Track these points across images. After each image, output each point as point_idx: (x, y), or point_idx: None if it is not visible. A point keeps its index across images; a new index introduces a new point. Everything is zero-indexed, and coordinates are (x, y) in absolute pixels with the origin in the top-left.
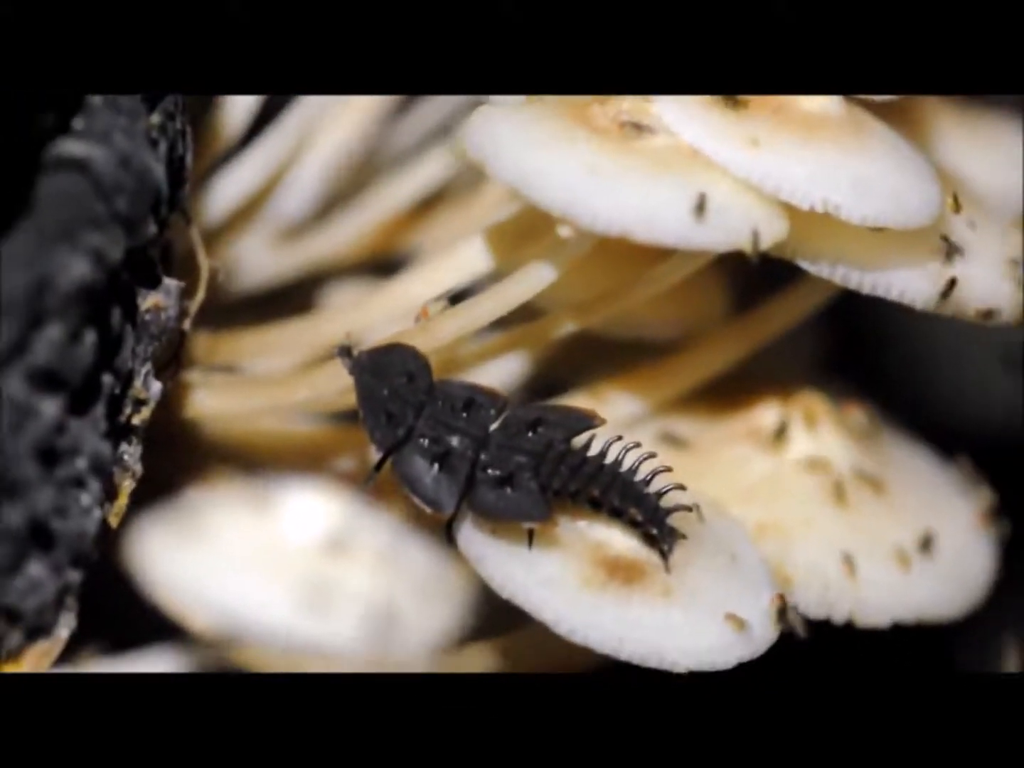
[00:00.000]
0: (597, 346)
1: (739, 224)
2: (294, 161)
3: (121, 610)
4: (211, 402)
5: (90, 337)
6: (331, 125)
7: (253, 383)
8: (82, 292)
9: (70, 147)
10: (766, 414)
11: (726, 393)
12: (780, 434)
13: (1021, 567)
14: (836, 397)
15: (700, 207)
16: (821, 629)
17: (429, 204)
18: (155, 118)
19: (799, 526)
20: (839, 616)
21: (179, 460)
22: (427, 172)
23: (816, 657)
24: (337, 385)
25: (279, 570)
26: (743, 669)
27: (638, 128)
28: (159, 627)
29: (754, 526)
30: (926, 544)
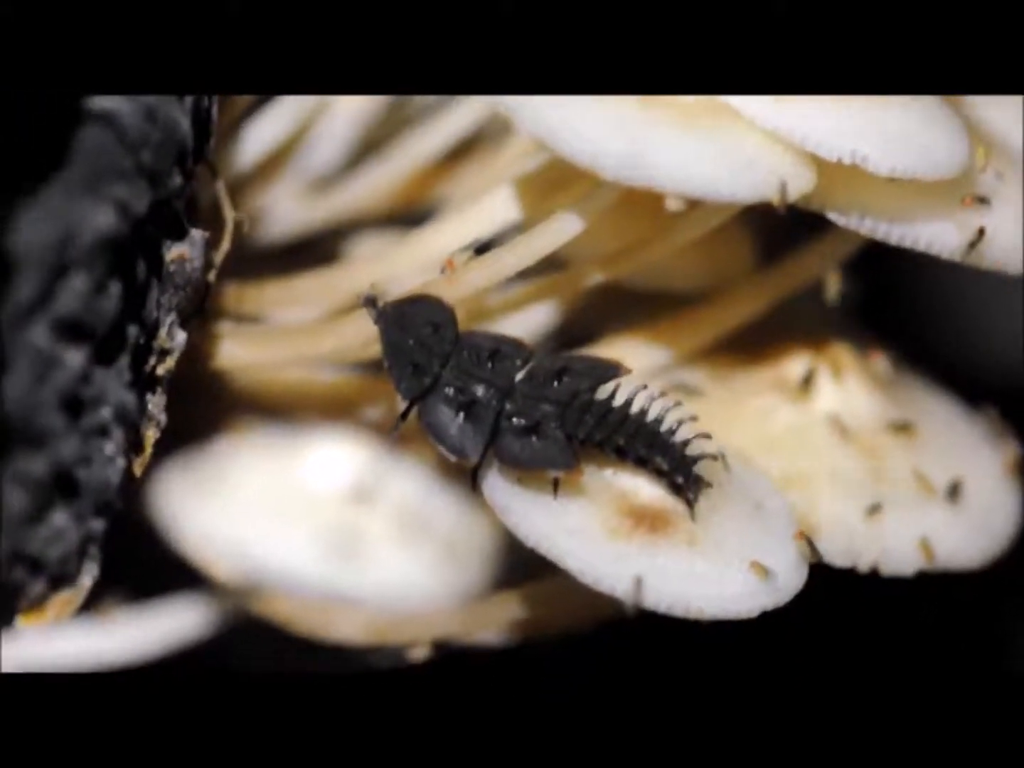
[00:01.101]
0: (623, 297)
1: (767, 176)
2: (321, 113)
3: (145, 559)
4: (237, 352)
5: (115, 288)
6: None
7: (279, 333)
8: (107, 243)
9: (97, 100)
10: (792, 364)
11: (751, 344)
12: (806, 384)
13: None
14: (861, 347)
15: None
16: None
17: (456, 155)
18: None
19: (824, 476)
20: (864, 565)
21: (205, 410)
22: (454, 123)
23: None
24: (363, 335)
25: (304, 519)
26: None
27: None
28: (183, 576)
29: (779, 476)
30: (953, 493)
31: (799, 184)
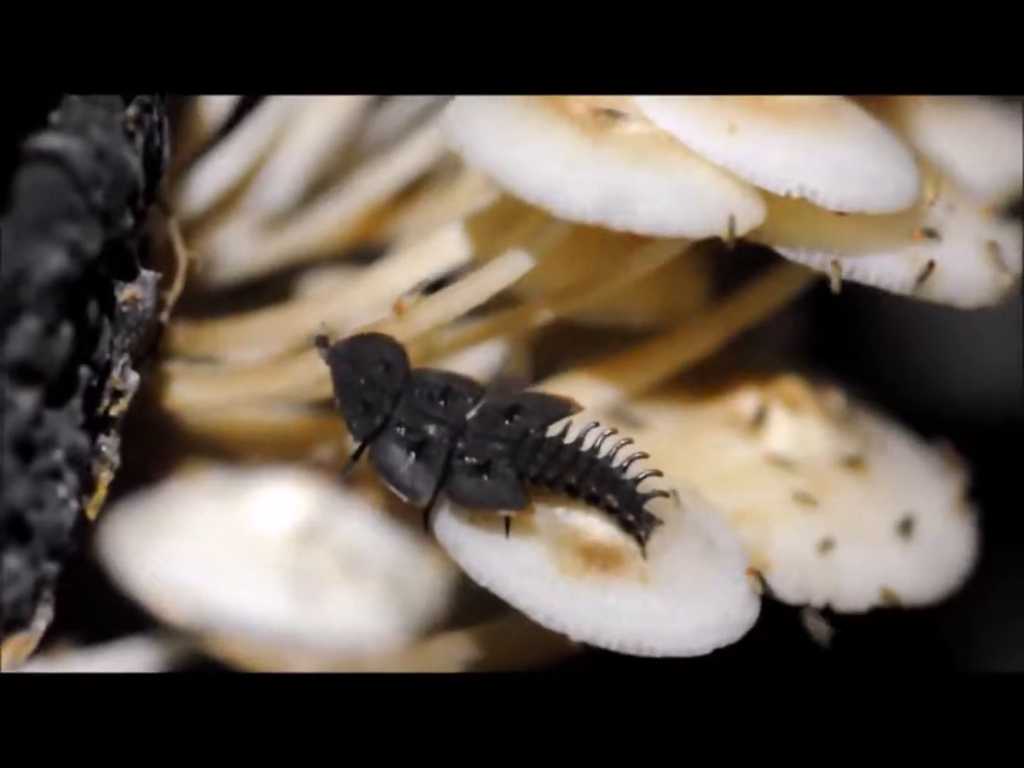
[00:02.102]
0: (575, 333)
1: (715, 211)
2: (274, 150)
3: (98, 602)
4: (190, 393)
5: (66, 330)
6: (311, 114)
7: (231, 373)
8: (58, 285)
9: (47, 140)
10: (745, 400)
11: (704, 379)
12: (759, 420)
13: (1020, 565)
14: (814, 381)
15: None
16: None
17: (411, 192)
18: (132, 110)
19: (777, 512)
20: (817, 601)
21: (158, 451)
22: (408, 160)
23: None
24: (315, 375)
25: (254, 561)
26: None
27: (615, 115)
28: (136, 619)
29: (732, 512)
30: (905, 528)
31: (748, 218)
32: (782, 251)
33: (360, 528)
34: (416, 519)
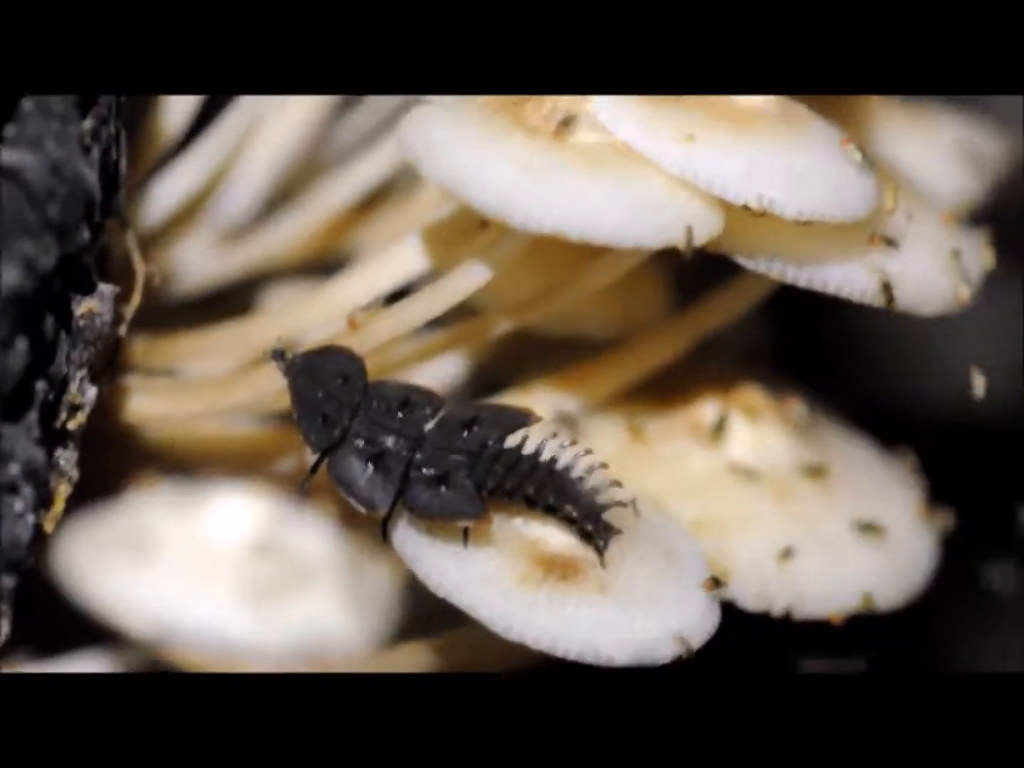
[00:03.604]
0: (536, 344)
1: (672, 221)
2: (234, 163)
3: (55, 615)
4: (149, 406)
5: (22, 344)
6: (270, 126)
7: (190, 386)
8: (13, 299)
9: (1, 155)
10: (706, 409)
11: (665, 389)
12: (720, 429)
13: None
14: (776, 390)
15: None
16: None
17: (371, 203)
18: (88, 123)
19: (738, 521)
20: (777, 610)
21: (118, 465)
22: (367, 172)
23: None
24: (274, 387)
25: (210, 572)
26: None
27: (572, 126)
28: (93, 631)
29: (692, 521)
30: (867, 535)
31: (706, 228)
32: (741, 261)
33: (317, 539)
34: (374, 530)
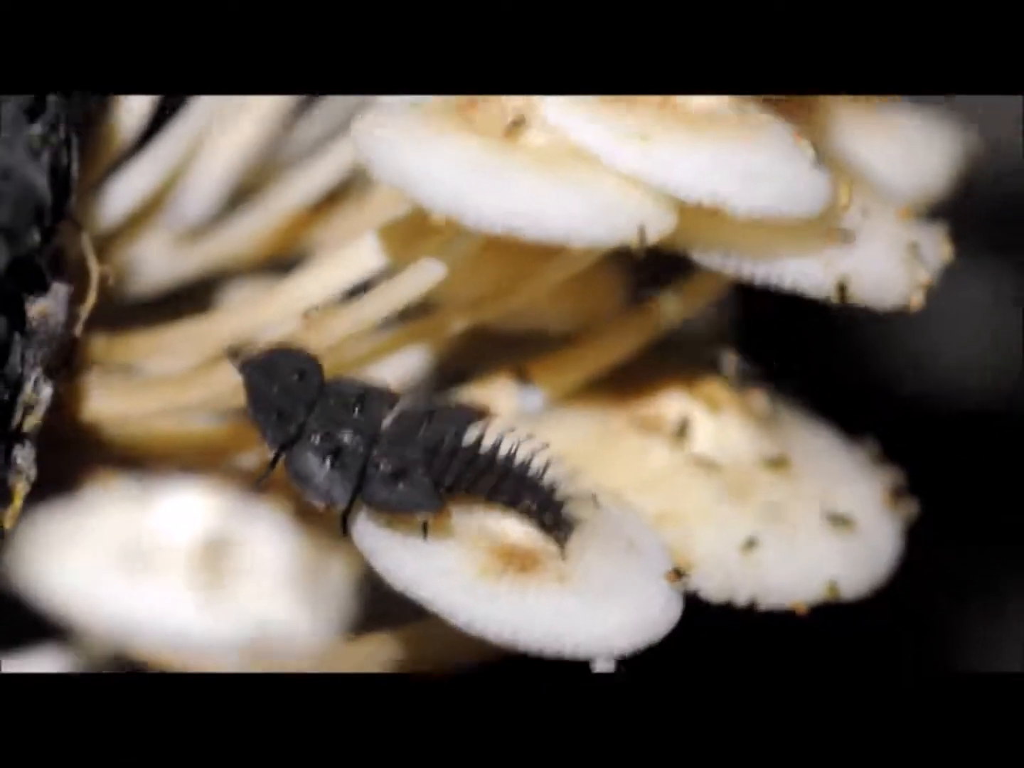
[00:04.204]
0: (494, 339)
1: (626, 221)
2: (191, 163)
3: (11, 611)
4: (106, 404)
5: None
6: (228, 126)
7: (148, 384)
8: None
9: None
10: (666, 402)
11: (626, 382)
12: (681, 422)
13: (1018, 568)
14: (738, 382)
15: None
16: (791, 622)
17: (328, 202)
18: (37, 128)
19: (700, 514)
20: (741, 600)
21: (75, 462)
22: (324, 171)
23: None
24: (231, 384)
25: (164, 568)
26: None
27: (523, 126)
28: (48, 627)
29: (654, 514)
30: (831, 525)
31: (659, 226)
32: (696, 257)
33: (273, 534)
34: (329, 525)
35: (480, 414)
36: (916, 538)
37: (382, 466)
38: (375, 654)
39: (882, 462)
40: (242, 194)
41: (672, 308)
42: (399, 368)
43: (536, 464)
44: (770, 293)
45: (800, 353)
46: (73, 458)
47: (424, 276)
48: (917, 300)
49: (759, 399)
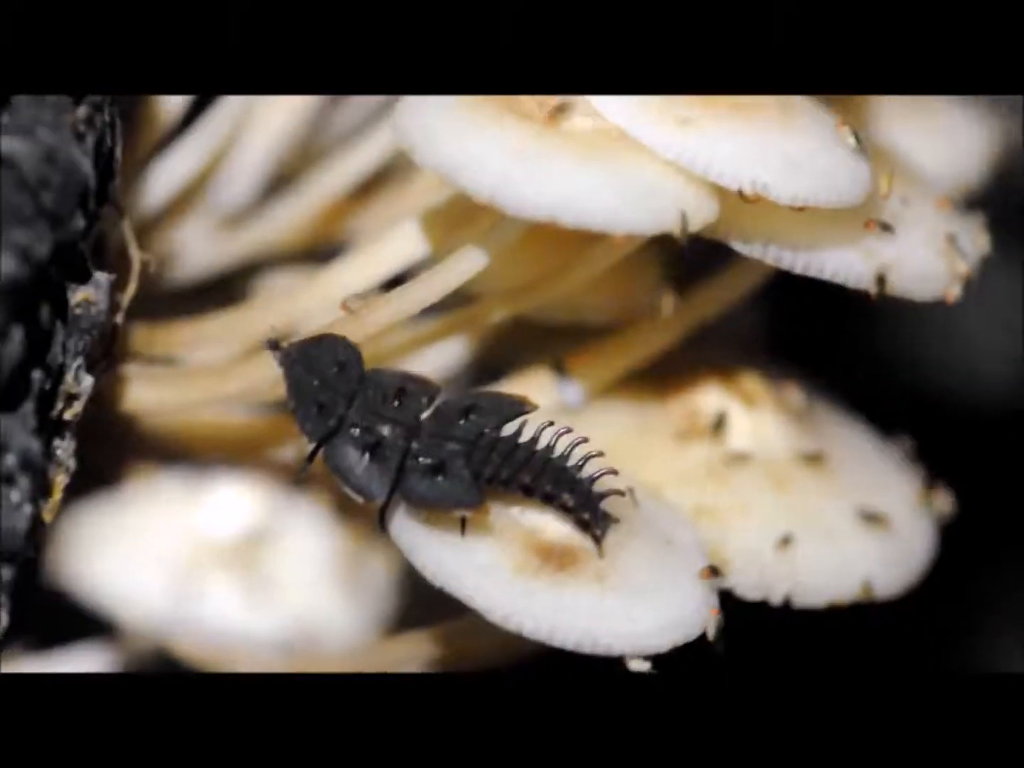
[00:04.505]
0: (533, 331)
1: (667, 207)
2: (231, 149)
3: (53, 606)
4: (147, 395)
5: (17, 334)
6: (267, 112)
7: (188, 375)
8: (8, 288)
9: None
10: (703, 397)
11: (663, 376)
12: (717, 417)
13: (1020, 568)
14: (774, 378)
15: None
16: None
17: (368, 190)
18: (81, 111)
19: (736, 509)
20: (776, 598)
21: (115, 454)
22: (364, 157)
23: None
24: (270, 376)
25: (207, 562)
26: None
27: (565, 111)
28: (91, 622)
29: (691, 510)
30: (866, 523)
31: (701, 214)
32: (737, 246)
33: (313, 528)
34: (370, 519)
35: (519, 406)
36: (949, 537)
37: (421, 460)
38: (413, 650)
39: (916, 459)
40: (282, 181)
41: (709, 301)
42: (438, 359)
43: (574, 459)
44: (807, 287)
45: (834, 349)
46: (113, 451)
47: (465, 265)
48: (955, 292)
49: (795, 394)
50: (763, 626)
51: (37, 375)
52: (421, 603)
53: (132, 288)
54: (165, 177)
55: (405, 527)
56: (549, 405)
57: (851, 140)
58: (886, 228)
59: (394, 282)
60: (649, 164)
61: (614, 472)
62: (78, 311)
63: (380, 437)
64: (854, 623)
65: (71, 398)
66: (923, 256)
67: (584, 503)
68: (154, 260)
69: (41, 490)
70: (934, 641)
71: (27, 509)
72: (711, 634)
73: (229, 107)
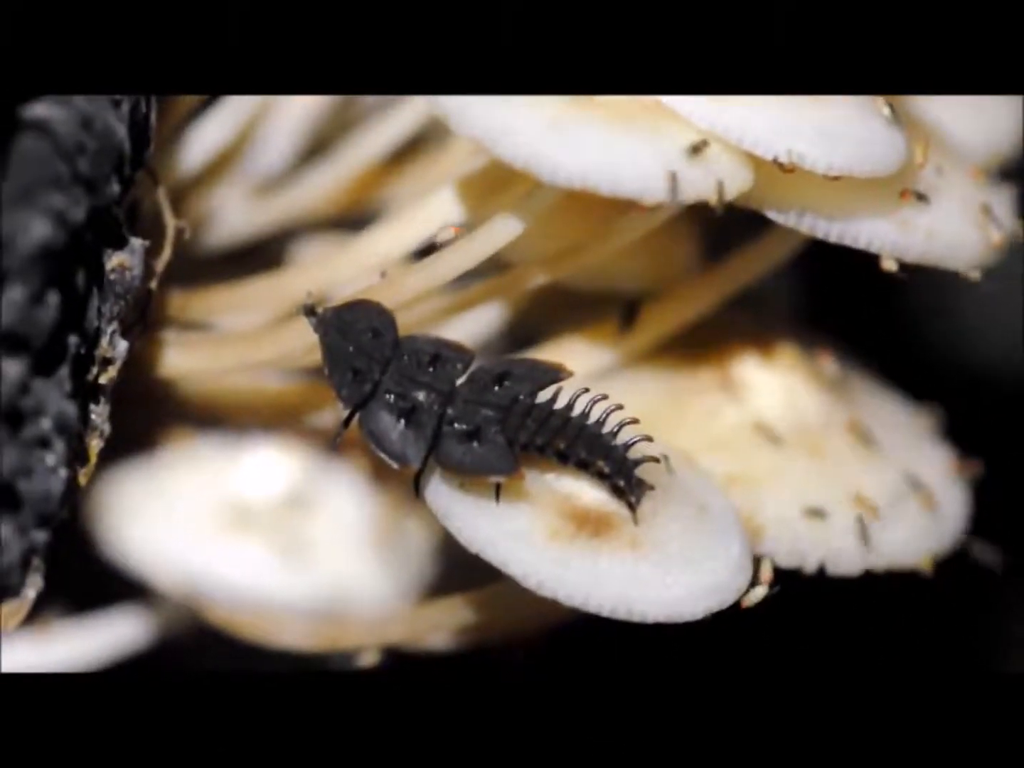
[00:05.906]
0: (567, 298)
1: (703, 176)
2: (264, 116)
3: (88, 570)
4: (181, 360)
5: (53, 298)
6: None
7: (223, 340)
8: (44, 253)
9: (31, 109)
10: (737, 364)
11: (698, 344)
12: (751, 385)
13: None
14: (808, 346)
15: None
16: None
17: (403, 156)
18: None
19: (769, 476)
20: (810, 566)
21: (150, 419)
22: (398, 125)
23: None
24: (306, 342)
25: (242, 527)
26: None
27: None
28: (125, 587)
29: (724, 477)
30: (899, 492)
31: (737, 183)
32: (772, 215)
33: (349, 494)
34: (406, 485)
35: (554, 373)
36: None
37: (456, 425)
38: (448, 616)
39: (947, 429)
40: (317, 147)
41: (743, 269)
42: (472, 326)
43: (609, 425)
44: (840, 258)
45: (867, 318)
46: (148, 415)
47: (501, 232)
48: (990, 261)
49: (829, 363)
50: (778, 614)
51: (73, 340)
52: (456, 569)
53: (167, 254)
54: (199, 144)
55: (440, 492)
56: (584, 372)
57: (886, 110)
58: (921, 198)
59: (429, 249)
60: (685, 134)
61: (649, 439)
62: (113, 276)
63: (415, 403)
64: (879, 609)
65: (106, 362)
66: (958, 226)
67: (619, 470)
68: (188, 226)
69: (76, 454)
70: (957, 636)
71: (62, 473)
72: (750, 600)
73: None
